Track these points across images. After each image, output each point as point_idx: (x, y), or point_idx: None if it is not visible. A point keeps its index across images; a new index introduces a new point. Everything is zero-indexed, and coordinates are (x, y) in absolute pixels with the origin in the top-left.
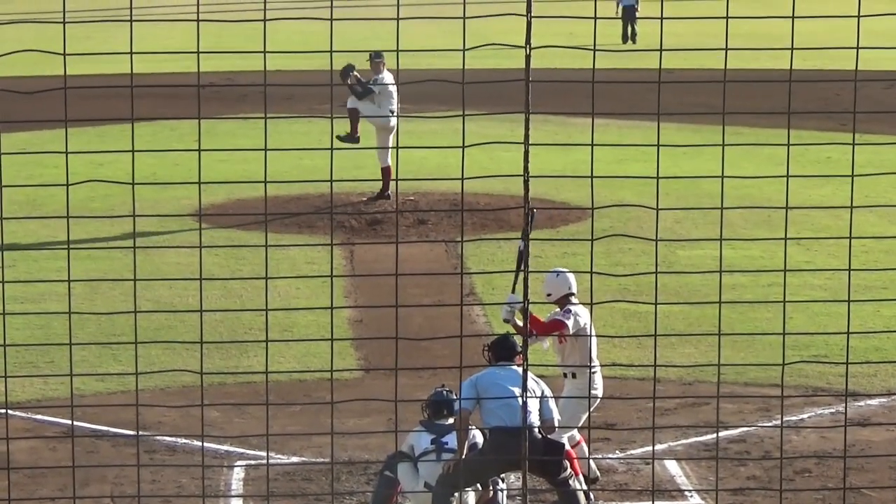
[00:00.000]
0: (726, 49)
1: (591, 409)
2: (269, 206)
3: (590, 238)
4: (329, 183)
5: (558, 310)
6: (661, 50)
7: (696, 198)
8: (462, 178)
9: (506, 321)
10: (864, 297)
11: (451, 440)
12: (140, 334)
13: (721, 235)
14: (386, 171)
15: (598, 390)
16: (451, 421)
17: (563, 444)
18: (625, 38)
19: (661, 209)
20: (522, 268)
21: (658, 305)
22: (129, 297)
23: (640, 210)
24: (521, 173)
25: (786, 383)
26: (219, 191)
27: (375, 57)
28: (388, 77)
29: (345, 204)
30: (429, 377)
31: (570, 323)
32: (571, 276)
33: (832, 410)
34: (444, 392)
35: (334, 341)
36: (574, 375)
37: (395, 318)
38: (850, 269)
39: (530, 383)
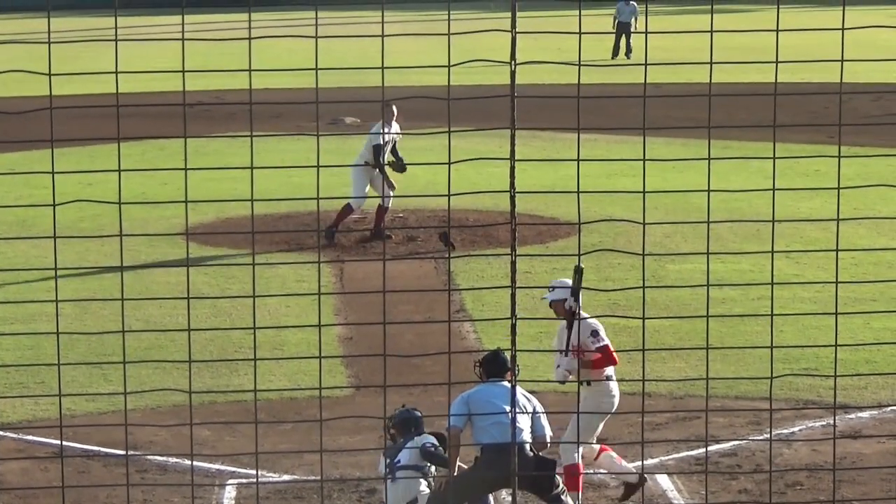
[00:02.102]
0: (711, 63)
1: (608, 417)
2: (258, 225)
3: (578, 253)
4: (316, 200)
5: (565, 324)
6: (646, 64)
7: (685, 212)
8: (449, 195)
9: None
10: (854, 309)
11: (404, 458)
12: (130, 354)
13: (709, 249)
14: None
15: (616, 397)
16: (415, 439)
17: (555, 461)
18: (615, 53)
19: (650, 223)
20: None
21: (647, 320)
22: (119, 316)
23: (629, 225)
24: (508, 189)
25: (776, 396)
26: (208, 209)
27: (390, 105)
28: (396, 127)
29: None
30: (419, 394)
31: (609, 342)
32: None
33: (823, 423)
34: (410, 410)
35: (324, 359)
36: (589, 383)
37: (384, 336)
38: (837, 282)
39: (522, 400)
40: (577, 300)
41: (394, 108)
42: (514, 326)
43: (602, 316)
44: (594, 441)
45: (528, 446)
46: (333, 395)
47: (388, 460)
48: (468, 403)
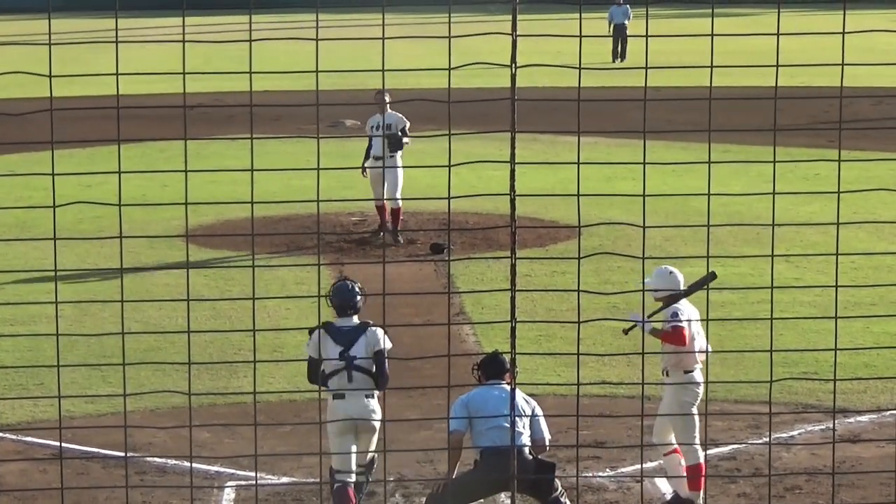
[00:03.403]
0: (711, 66)
1: (693, 408)
2: (258, 227)
3: (578, 256)
4: (316, 203)
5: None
6: (646, 67)
7: (684, 215)
8: (449, 198)
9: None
10: (854, 313)
11: (359, 351)
12: (129, 356)
13: (709, 253)
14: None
15: (697, 389)
16: (355, 320)
17: (554, 464)
18: (615, 57)
19: (649, 227)
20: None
21: (647, 323)
22: (118, 318)
23: (629, 228)
24: (508, 192)
25: (775, 400)
26: (208, 212)
27: (383, 94)
28: (392, 115)
29: (333, 224)
30: (418, 396)
31: (685, 328)
32: (665, 272)
33: (822, 427)
34: (350, 285)
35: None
36: (667, 373)
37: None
38: (837, 286)
39: (521, 402)
40: (683, 295)
41: (385, 96)
42: (513, 329)
43: (601, 319)
44: (696, 439)
45: (527, 449)
46: None
47: (340, 351)
48: (467, 407)
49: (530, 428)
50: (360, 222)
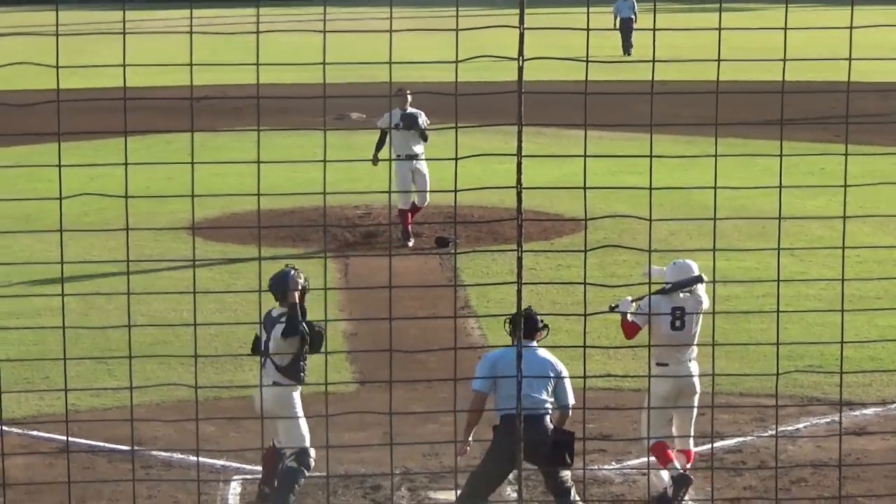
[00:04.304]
0: (719, 60)
1: (664, 403)
2: (263, 220)
3: (584, 249)
4: (323, 196)
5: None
6: (653, 61)
7: (689, 209)
8: (455, 191)
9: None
10: (859, 307)
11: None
12: (135, 349)
13: (715, 246)
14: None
15: (660, 382)
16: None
17: (573, 434)
18: (625, 50)
19: (655, 220)
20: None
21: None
22: (124, 311)
23: (635, 221)
24: (515, 185)
25: (781, 393)
26: (213, 204)
27: (405, 90)
28: (413, 112)
29: (339, 217)
30: (424, 390)
31: (637, 321)
32: (683, 266)
33: (827, 420)
34: (292, 271)
35: (329, 354)
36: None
37: (389, 331)
38: (843, 280)
39: (547, 364)
40: (673, 288)
41: (408, 94)
42: (519, 323)
43: (607, 312)
44: (669, 430)
45: (548, 417)
46: (338, 390)
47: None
48: (495, 366)
49: (555, 393)
50: (366, 215)
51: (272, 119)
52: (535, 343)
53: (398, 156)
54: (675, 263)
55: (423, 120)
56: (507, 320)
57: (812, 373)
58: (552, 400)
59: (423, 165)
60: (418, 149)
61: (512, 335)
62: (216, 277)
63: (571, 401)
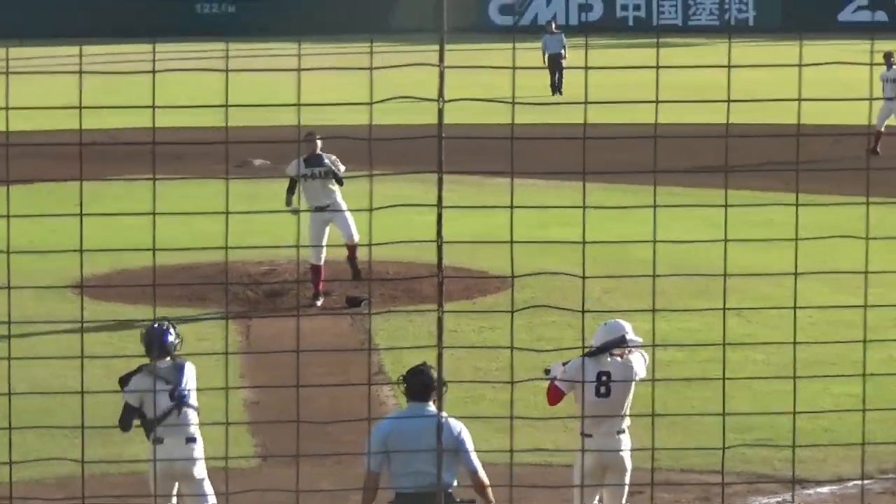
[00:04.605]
0: (657, 101)
1: (590, 479)
2: (158, 277)
3: (510, 310)
4: (224, 250)
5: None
6: (585, 103)
7: (626, 265)
8: (370, 244)
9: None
10: (812, 373)
11: (186, 384)
12: (14, 419)
13: (654, 306)
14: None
15: (582, 456)
16: (168, 360)
17: None
18: (554, 89)
19: (588, 277)
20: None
21: (586, 384)
22: (3, 378)
23: (565, 279)
24: (435, 238)
25: (727, 469)
26: (102, 260)
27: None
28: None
29: (241, 274)
30: (332, 465)
31: (561, 386)
32: (613, 326)
33: (778, 499)
34: (163, 327)
35: (229, 426)
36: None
37: (296, 400)
38: (794, 343)
39: (453, 432)
40: (599, 350)
41: (318, 139)
42: (440, 391)
43: (534, 379)
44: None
45: (452, 494)
46: (239, 465)
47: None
48: (385, 441)
49: (463, 462)
50: (270, 272)
51: (168, 166)
52: (431, 406)
53: (312, 207)
54: (605, 324)
55: (333, 160)
56: (402, 377)
57: (761, 447)
58: (454, 472)
59: (340, 208)
60: (334, 197)
61: (407, 395)
62: (105, 340)
63: (478, 465)
